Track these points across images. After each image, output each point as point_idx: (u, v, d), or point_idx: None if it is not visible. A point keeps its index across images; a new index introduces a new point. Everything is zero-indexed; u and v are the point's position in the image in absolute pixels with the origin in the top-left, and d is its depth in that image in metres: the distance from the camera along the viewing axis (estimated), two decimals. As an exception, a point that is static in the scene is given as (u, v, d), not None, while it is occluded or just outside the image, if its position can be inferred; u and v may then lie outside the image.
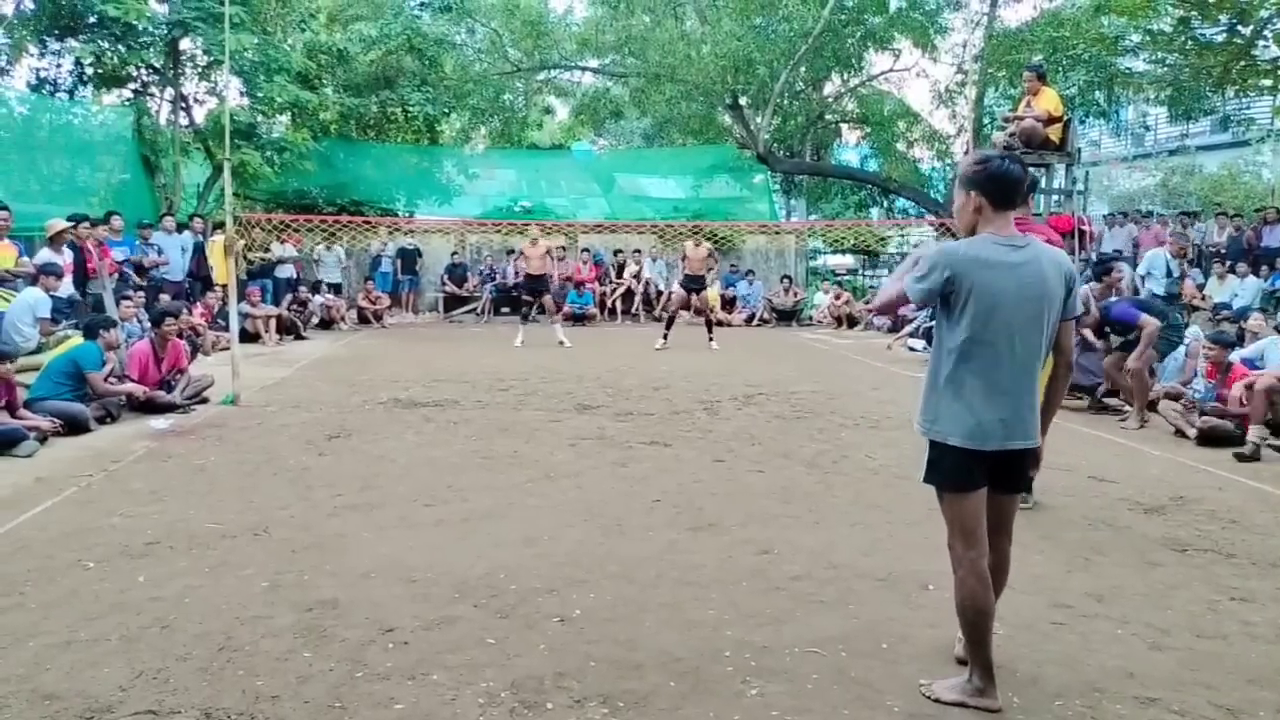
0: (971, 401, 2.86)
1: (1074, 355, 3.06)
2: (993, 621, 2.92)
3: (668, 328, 13.32)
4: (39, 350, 8.10)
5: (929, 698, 2.94)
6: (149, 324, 8.58)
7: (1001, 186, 2.91)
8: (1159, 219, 16.42)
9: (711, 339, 13.21)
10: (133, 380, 7.67)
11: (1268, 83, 12.91)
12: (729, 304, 18.20)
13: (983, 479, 2.91)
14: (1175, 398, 7.59)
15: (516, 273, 15.17)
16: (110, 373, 8.02)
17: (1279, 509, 5.21)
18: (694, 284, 13.59)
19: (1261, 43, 12.56)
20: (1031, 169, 9.35)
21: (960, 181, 3.04)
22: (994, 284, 2.82)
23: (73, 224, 9.69)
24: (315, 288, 16.37)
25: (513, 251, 14.94)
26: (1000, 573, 3.02)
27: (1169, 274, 11.88)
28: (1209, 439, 6.84)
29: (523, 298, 14.28)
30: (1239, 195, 18.53)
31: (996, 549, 2.98)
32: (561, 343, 13.18)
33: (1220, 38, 12.88)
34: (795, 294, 18.64)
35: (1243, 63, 12.67)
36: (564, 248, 18.74)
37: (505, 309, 17.61)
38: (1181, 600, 3.82)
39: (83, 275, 9.70)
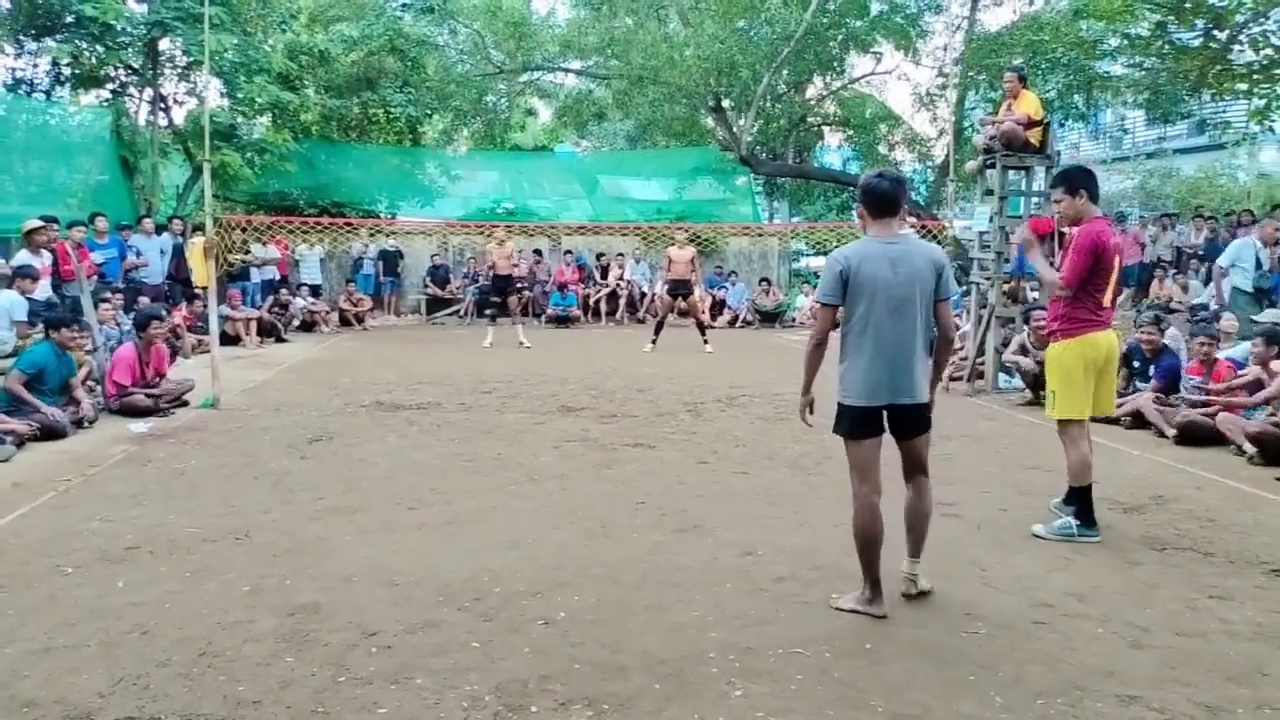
0: (865, 368, 3.54)
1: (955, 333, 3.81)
2: (880, 547, 3.60)
3: (657, 332, 13.26)
4: (15, 354, 8.00)
5: (834, 607, 3.65)
6: (133, 328, 8.50)
7: (872, 198, 3.60)
8: (1141, 220, 16.49)
9: (706, 341, 13.17)
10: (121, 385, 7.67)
11: (1243, 86, 13.03)
12: (718, 306, 18.15)
13: (877, 430, 3.61)
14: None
15: (489, 271, 15.06)
16: (89, 375, 7.96)
17: (1256, 508, 5.27)
18: (680, 288, 13.52)
19: (1237, 47, 12.68)
20: (1014, 173, 9.56)
21: None
22: (876, 272, 3.49)
23: (46, 224, 9.57)
24: (296, 290, 16.25)
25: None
26: (921, 499, 3.74)
27: (1258, 265, 10.38)
28: (1188, 438, 6.91)
29: (491, 298, 14.29)
30: (1216, 198, 18.71)
31: (914, 481, 3.74)
32: (521, 343, 13.25)
33: (1196, 42, 12.98)
34: (775, 296, 18.66)
35: (1219, 67, 12.78)
36: (539, 251, 18.70)
37: (488, 311, 17.58)
38: (1161, 599, 3.86)
39: (58, 277, 9.60)
